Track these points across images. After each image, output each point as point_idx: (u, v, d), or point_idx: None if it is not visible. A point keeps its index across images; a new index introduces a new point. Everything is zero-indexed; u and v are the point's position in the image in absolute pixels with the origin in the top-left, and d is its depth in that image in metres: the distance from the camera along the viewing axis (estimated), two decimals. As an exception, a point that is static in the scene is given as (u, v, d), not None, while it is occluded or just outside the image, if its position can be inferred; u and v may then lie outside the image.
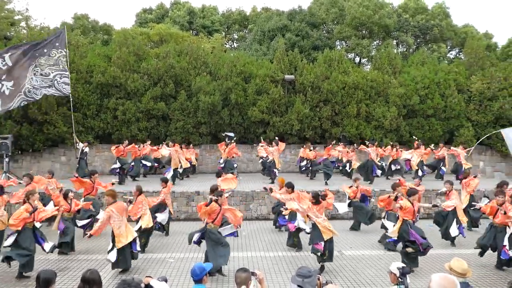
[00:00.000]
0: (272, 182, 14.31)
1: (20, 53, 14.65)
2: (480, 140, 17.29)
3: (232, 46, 36.65)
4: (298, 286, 3.90)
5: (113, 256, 7.48)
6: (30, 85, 14.69)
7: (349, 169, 15.94)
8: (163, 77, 17.90)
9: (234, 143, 16.19)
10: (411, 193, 8.13)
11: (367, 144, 16.84)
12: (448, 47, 32.01)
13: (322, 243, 7.51)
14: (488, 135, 17.58)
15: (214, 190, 8.48)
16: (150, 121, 17.88)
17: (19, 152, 17.05)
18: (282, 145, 16.15)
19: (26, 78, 14.62)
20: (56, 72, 15.24)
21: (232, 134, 17.77)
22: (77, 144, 15.69)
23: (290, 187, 9.27)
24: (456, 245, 9.74)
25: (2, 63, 14.27)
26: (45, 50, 15.14)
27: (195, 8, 34.75)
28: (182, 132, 17.82)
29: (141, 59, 18.74)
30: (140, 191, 8.89)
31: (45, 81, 15.06)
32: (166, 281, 4.30)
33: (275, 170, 15.08)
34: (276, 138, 16.84)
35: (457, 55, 32.27)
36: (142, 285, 3.88)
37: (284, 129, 18.29)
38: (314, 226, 7.74)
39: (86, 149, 15.96)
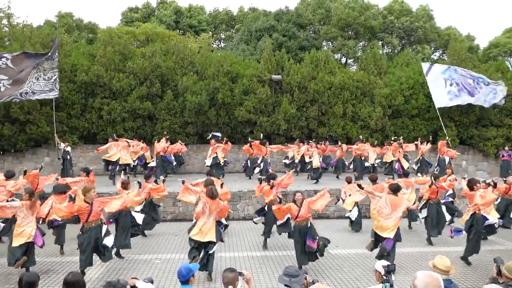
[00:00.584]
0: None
1: (25, 57, 14.68)
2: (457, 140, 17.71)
3: (219, 46, 36.59)
4: (286, 285, 3.92)
5: (110, 241, 7.46)
6: (30, 88, 14.64)
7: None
8: (149, 77, 17.74)
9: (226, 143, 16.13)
10: (395, 188, 7.78)
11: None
12: (432, 49, 32.61)
13: (318, 238, 7.65)
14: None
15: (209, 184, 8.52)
16: (136, 121, 17.69)
17: (1, 152, 16.67)
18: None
19: (27, 80, 14.57)
20: (57, 75, 15.42)
21: (219, 134, 17.71)
22: (59, 145, 15.44)
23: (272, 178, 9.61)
24: (440, 243, 9.91)
25: (2, 63, 14.19)
26: (49, 54, 15.19)
27: (181, 7, 34.57)
28: (169, 132, 17.68)
29: (126, 58, 18.52)
30: None
31: (48, 85, 15.06)
32: (152, 282, 4.26)
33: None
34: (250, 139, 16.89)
35: (441, 56, 32.89)
36: (128, 286, 3.83)
37: (271, 129, 18.34)
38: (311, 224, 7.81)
39: (68, 148, 15.71)
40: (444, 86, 16.84)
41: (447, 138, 16.94)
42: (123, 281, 3.88)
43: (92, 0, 54.80)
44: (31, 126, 16.24)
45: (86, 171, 10.73)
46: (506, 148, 17.65)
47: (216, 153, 15.32)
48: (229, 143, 15.93)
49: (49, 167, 16.96)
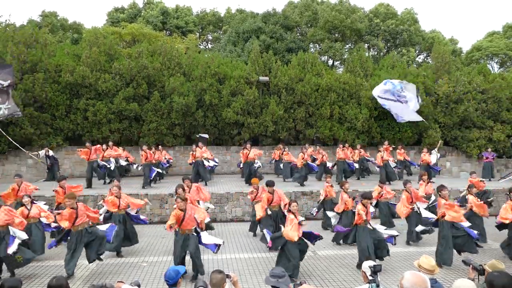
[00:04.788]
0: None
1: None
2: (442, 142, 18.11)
3: (207, 47, 36.51)
4: (273, 286, 3.93)
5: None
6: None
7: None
8: (136, 78, 17.56)
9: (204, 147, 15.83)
10: (367, 196, 8.16)
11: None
12: (417, 52, 33.19)
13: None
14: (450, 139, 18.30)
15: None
16: (122, 122, 17.50)
17: (-18, 154, 16.29)
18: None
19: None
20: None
21: (206, 136, 17.66)
22: (38, 156, 15.18)
23: (271, 185, 9.62)
24: (424, 243, 10.05)
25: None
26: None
27: (168, 8, 34.38)
28: (156, 133, 17.54)
29: (112, 59, 18.30)
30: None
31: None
32: (139, 286, 4.23)
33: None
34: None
35: (425, 59, 33.48)
36: (114, 290, 3.79)
37: (259, 131, 18.37)
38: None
39: (50, 153, 15.44)
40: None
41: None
42: (109, 285, 3.84)
43: (77, 0, 54.08)
44: (14, 128, 15.90)
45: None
46: (489, 149, 18.02)
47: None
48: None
49: (33, 169, 16.66)
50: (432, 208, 10.52)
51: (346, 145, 17.01)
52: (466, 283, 3.48)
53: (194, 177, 13.93)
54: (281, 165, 16.20)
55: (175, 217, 7.23)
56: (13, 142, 15.09)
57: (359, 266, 7.97)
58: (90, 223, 7.90)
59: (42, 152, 15.19)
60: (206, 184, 14.58)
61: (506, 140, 19.24)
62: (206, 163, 14.85)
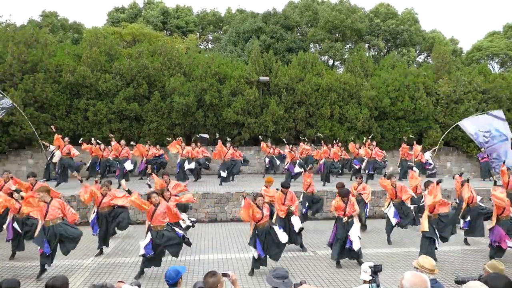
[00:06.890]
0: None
1: None
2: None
3: (207, 47, 36.51)
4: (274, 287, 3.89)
5: None
6: None
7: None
8: (136, 78, 17.56)
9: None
10: (343, 193, 8.31)
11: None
12: (417, 52, 33.17)
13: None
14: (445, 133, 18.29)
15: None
16: (122, 122, 17.50)
17: (-17, 154, 16.29)
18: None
19: None
20: None
21: (206, 136, 17.65)
22: (48, 148, 15.07)
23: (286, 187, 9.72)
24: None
25: None
26: None
27: (169, 8, 34.37)
28: (156, 133, 17.54)
29: (113, 59, 18.30)
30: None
31: None
32: (139, 286, 4.21)
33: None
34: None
35: (426, 59, 33.46)
36: (114, 290, 3.78)
37: (259, 130, 18.36)
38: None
39: (57, 152, 15.40)
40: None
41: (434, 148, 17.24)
42: (109, 285, 3.83)
43: (77, 0, 54.12)
44: (14, 128, 15.90)
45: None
46: (482, 149, 17.93)
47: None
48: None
49: (33, 169, 16.61)
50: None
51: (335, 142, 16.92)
52: (478, 284, 3.47)
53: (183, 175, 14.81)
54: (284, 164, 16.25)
55: (147, 210, 7.48)
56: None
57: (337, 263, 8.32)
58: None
59: (52, 147, 15.01)
60: (195, 181, 15.16)
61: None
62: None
